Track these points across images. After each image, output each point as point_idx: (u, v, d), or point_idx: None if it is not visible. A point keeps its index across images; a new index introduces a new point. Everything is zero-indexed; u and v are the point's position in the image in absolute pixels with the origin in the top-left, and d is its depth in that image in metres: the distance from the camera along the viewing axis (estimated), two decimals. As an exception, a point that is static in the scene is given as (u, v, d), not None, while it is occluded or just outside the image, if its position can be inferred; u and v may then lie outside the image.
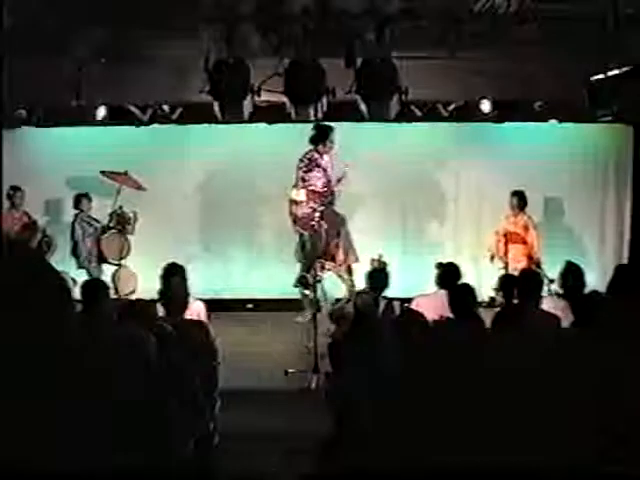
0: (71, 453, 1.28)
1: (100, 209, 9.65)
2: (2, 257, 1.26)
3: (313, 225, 8.45)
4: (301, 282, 8.70)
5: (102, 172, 9.45)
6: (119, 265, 9.52)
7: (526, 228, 9.36)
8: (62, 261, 8.76)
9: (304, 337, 7.70)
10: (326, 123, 8.42)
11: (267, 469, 5.03)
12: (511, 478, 2.39)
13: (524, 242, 9.32)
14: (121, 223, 9.51)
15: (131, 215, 9.57)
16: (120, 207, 9.51)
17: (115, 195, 9.50)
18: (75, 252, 9.43)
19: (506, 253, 9.34)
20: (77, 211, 9.51)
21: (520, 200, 9.37)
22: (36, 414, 1.24)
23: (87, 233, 9.46)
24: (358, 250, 9.15)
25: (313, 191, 8.58)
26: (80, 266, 9.35)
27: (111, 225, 9.49)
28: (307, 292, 8.62)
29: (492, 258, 9.35)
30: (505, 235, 9.37)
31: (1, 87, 6.17)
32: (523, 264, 9.06)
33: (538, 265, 8.85)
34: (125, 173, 9.40)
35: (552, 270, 6.95)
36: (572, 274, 6.02)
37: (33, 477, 1.25)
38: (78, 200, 9.50)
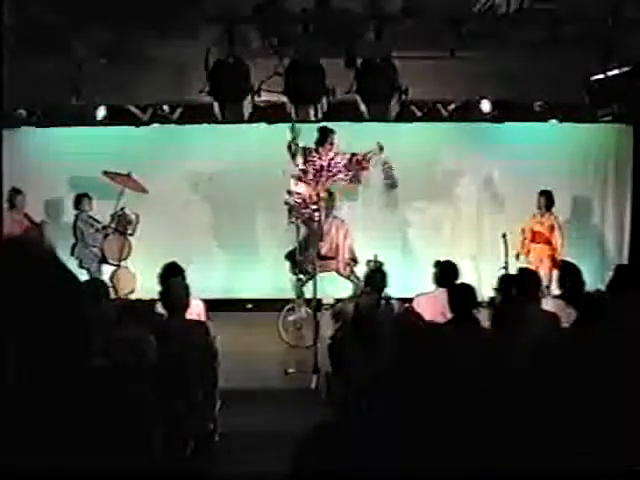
0: (70, 453, 1.28)
1: (100, 209, 9.64)
2: (16, 256, 1.26)
3: (304, 213, 8.38)
4: (295, 264, 8.55)
5: (105, 172, 9.43)
6: (118, 265, 9.51)
7: (552, 229, 9.30)
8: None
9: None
10: (326, 125, 8.40)
11: (267, 469, 5.03)
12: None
13: (548, 242, 9.28)
14: (123, 224, 9.49)
15: (133, 217, 9.54)
16: (122, 209, 9.49)
17: (118, 196, 9.48)
18: (75, 252, 9.41)
19: (528, 252, 9.31)
20: (78, 211, 9.49)
21: (547, 200, 9.30)
22: (47, 412, 1.24)
23: (88, 233, 9.42)
24: (357, 250, 9.15)
25: (307, 184, 8.51)
26: (80, 266, 9.33)
27: (112, 226, 9.47)
28: (302, 277, 8.52)
29: (517, 256, 9.24)
30: (531, 234, 9.32)
31: (1, 87, 6.17)
32: (546, 265, 9.03)
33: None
34: (128, 175, 9.37)
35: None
36: (570, 274, 6.03)
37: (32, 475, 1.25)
38: (79, 200, 9.47)
